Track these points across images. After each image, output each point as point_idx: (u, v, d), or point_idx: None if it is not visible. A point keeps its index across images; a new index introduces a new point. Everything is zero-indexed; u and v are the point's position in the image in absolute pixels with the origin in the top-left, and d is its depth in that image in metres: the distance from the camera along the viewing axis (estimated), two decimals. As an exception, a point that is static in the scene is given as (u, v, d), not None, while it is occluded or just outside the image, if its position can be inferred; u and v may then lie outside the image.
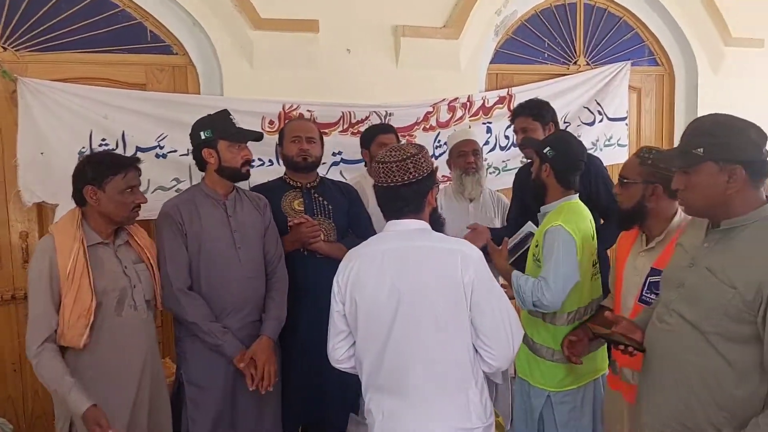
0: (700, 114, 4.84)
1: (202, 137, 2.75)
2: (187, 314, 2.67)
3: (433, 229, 2.09)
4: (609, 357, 2.60)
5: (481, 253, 2.03)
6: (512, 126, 3.49)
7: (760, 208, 1.78)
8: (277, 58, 3.71)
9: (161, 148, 3.48)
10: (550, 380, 2.63)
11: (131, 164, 2.53)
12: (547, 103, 3.41)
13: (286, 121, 3.68)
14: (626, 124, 4.66)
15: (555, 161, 2.65)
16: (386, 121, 3.88)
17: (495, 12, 4.26)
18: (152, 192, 3.43)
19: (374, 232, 3.19)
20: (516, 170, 3.72)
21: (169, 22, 3.61)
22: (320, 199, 3.11)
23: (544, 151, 2.68)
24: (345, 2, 3.87)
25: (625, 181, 2.35)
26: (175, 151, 3.49)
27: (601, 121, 4.57)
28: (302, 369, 2.97)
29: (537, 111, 3.31)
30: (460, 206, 3.55)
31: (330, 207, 3.12)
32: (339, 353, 2.14)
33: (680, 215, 2.31)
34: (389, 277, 1.99)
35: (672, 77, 5.00)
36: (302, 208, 3.05)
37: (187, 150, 3.39)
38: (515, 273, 2.61)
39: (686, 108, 4.98)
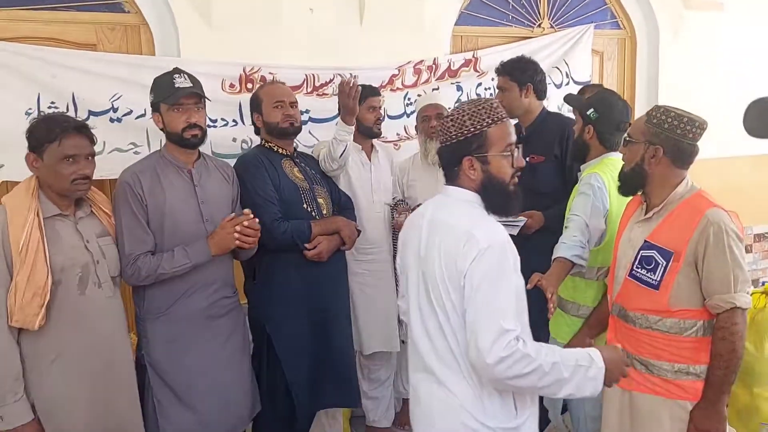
0: (661, 78, 4.90)
1: (150, 101, 2.60)
2: (146, 277, 2.48)
3: (491, 204, 1.84)
4: None
5: (498, 239, 1.76)
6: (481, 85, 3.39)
7: None
8: (236, 18, 3.52)
9: (115, 111, 3.26)
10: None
11: (66, 130, 2.25)
12: (528, 62, 3.26)
13: (248, 84, 3.53)
14: (590, 89, 4.63)
15: (598, 123, 2.61)
16: (351, 84, 3.75)
17: (460, -28, 4.15)
18: (108, 153, 3.24)
19: (347, 196, 3.09)
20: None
21: (119, -22, 3.39)
22: (307, 168, 2.98)
23: (588, 112, 2.64)
24: (307, -41, 3.70)
25: (628, 140, 2.25)
26: (130, 113, 3.28)
27: (567, 84, 4.52)
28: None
29: (511, 71, 3.20)
30: (428, 172, 3.45)
31: (318, 176, 3.00)
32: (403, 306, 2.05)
33: (686, 185, 2.17)
34: (415, 248, 1.91)
35: (634, 41, 4.97)
36: (302, 176, 2.91)
37: (144, 110, 3.21)
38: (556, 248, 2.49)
39: (648, 72, 4.98)
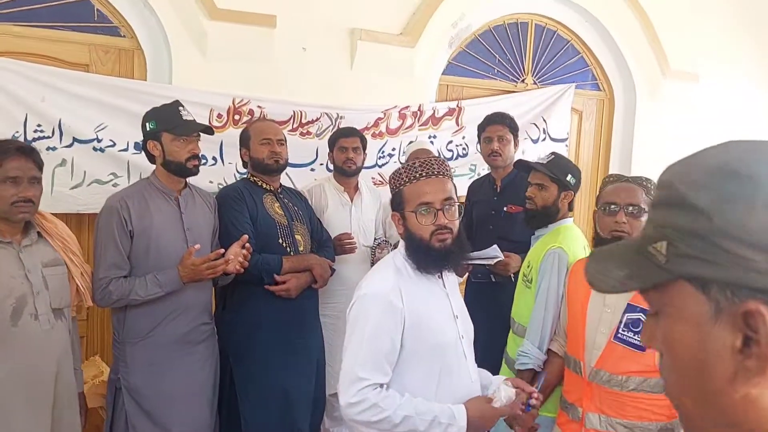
0: (636, 139, 5.07)
1: (147, 129, 2.66)
2: (116, 300, 2.52)
3: (411, 258, 1.90)
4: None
5: (375, 289, 1.86)
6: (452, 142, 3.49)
7: None
8: (230, 51, 3.59)
9: (99, 141, 3.29)
10: None
11: (8, 152, 2.21)
12: None
13: (235, 116, 3.59)
14: (566, 146, 4.77)
15: (576, 188, 2.69)
16: (337, 124, 3.83)
17: (451, 24, 4.27)
18: (88, 185, 3.27)
19: (328, 235, 3.15)
20: (467, 177, 3.81)
21: (118, 2, 3.43)
22: (289, 204, 3.04)
23: (567, 179, 2.68)
24: (304, 0, 3.79)
25: (636, 212, 2.23)
26: (114, 145, 3.32)
27: (544, 140, 4.66)
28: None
29: (512, 124, 3.42)
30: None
31: (300, 213, 3.06)
32: None
33: None
34: None
35: (612, 102, 5.14)
36: (282, 212, 2.97)
37: (127, 144, 3.27)
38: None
39: (623, 132, 5.15)
